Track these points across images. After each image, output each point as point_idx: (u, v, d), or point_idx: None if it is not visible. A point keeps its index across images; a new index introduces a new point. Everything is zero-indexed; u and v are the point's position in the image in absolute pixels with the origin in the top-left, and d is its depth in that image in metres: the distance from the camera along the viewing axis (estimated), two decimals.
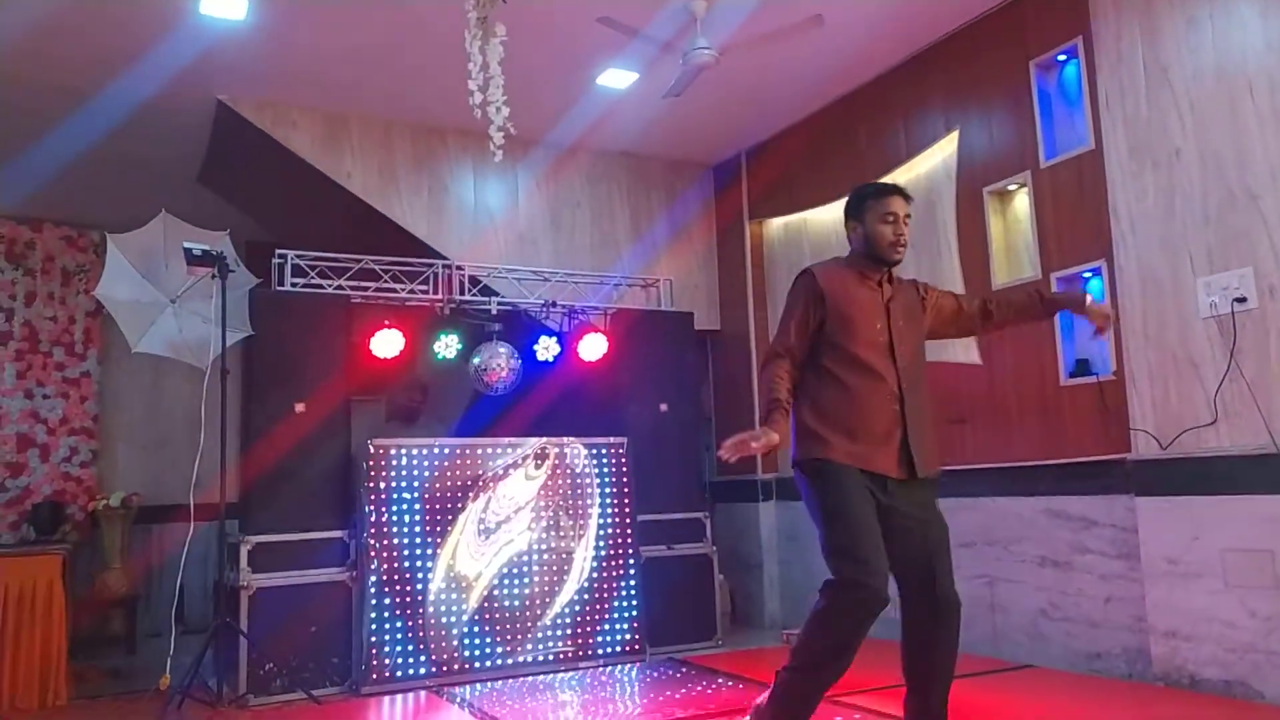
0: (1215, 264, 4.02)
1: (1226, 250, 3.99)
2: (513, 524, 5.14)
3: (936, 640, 2.86)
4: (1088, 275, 4.62)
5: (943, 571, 2.87)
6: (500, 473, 5.17)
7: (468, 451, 5.14)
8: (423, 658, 4.80)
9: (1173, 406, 4.15)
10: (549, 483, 5.28)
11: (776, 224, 6.68)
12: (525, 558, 5.13)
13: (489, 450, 5.19)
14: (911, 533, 2.89)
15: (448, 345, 5.42)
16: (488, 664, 4.92)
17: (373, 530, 4.82)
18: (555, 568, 5.19)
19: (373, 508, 4.84)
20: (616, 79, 5.57)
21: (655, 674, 4.86)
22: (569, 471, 5.34)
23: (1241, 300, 3.90)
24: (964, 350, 5.16)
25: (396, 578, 4.82)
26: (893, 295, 3.05)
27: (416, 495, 4.95)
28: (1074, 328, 4.68)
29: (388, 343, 5.14)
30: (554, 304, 5.75)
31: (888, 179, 5.63)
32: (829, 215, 6.20)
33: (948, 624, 2.85)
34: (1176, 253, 4.17)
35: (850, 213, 3.09)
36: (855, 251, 3.09)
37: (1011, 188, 5.00)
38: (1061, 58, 4.76)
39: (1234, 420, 3.93)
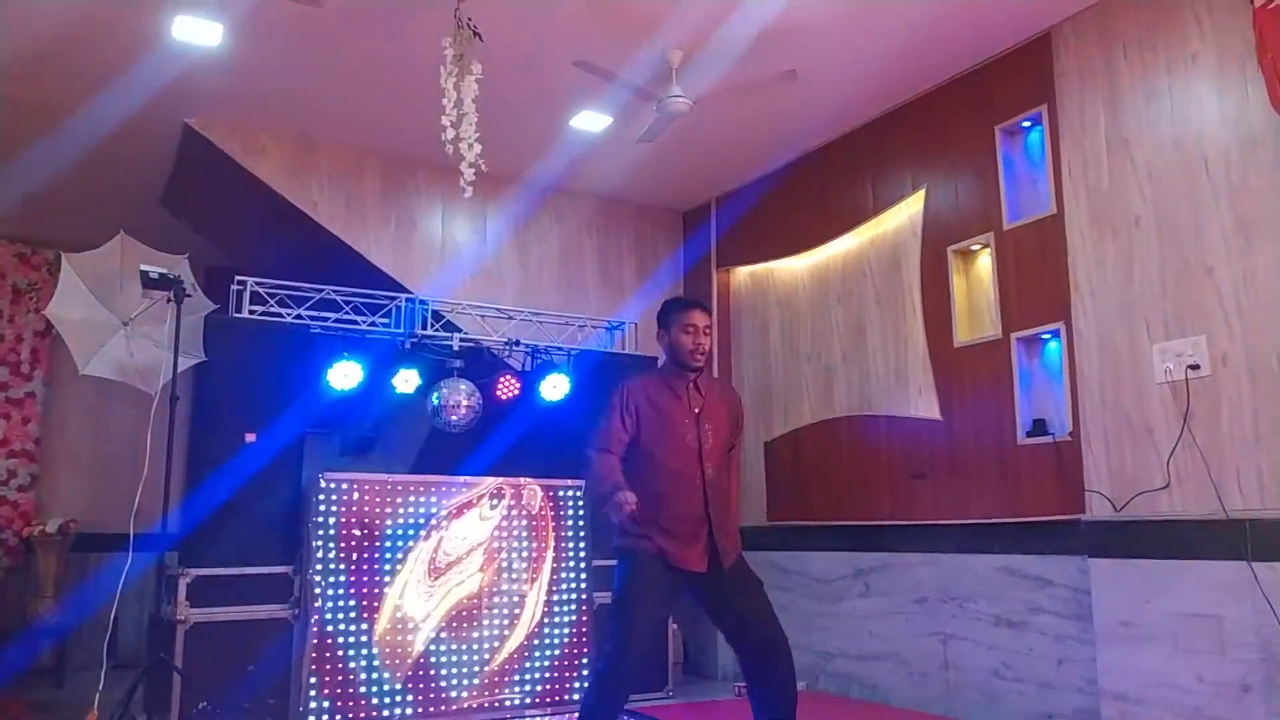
0: (1171, 331, 4.10)
1: (1182, 318, 4.07)
2: (464, 565, 5.04)
3: (773, 675, 3.21)
4: (1046, 337, 4.69)
5: (760, 619, 3.24)
6: (454, 511, 5.08)
7: (422, 488, 5.04)
8: (364, 700, 4.65)
9: (1127, 470, 4.20)
10: (504, 524, 5.19)
11: (743, 273, 6.72)
12: (475, 600, 5.02)
13: (444, 488, 5.10)
14: (727, 601, 3.25)
15: (407, 380, 5.34)
16: (431, 709, 4.78)
17: (319, 566, 4.69)
18: (506, 611, 5.09)
19: (320, 543, 4.72)
20: (590, 122, 5.60)
21: None
22: (525, 513, 5.26)
23: (1195, 367, 3.97)
24: (925, 405, 5.19)
25: (340, 616, 4.69)
26: (703, 403, 3.35)
27: (367, 532, 4.84)
28: (1032, 387, 4.74)
29: (345, 375, 5.04)
30: (517, 343, 5.70)
31: (854, 233, 5.76)
32: (796, 266, 6.25)
33: (777, 657, 3.22)
34: (1134, 319, 4.24)
35: (659, 323, 3.45)
36: (666, 361, 3.44)
37: (975, 248, 5.08)
38: (1026, 124, 4.87)
39: (1186, 485, 3.98)
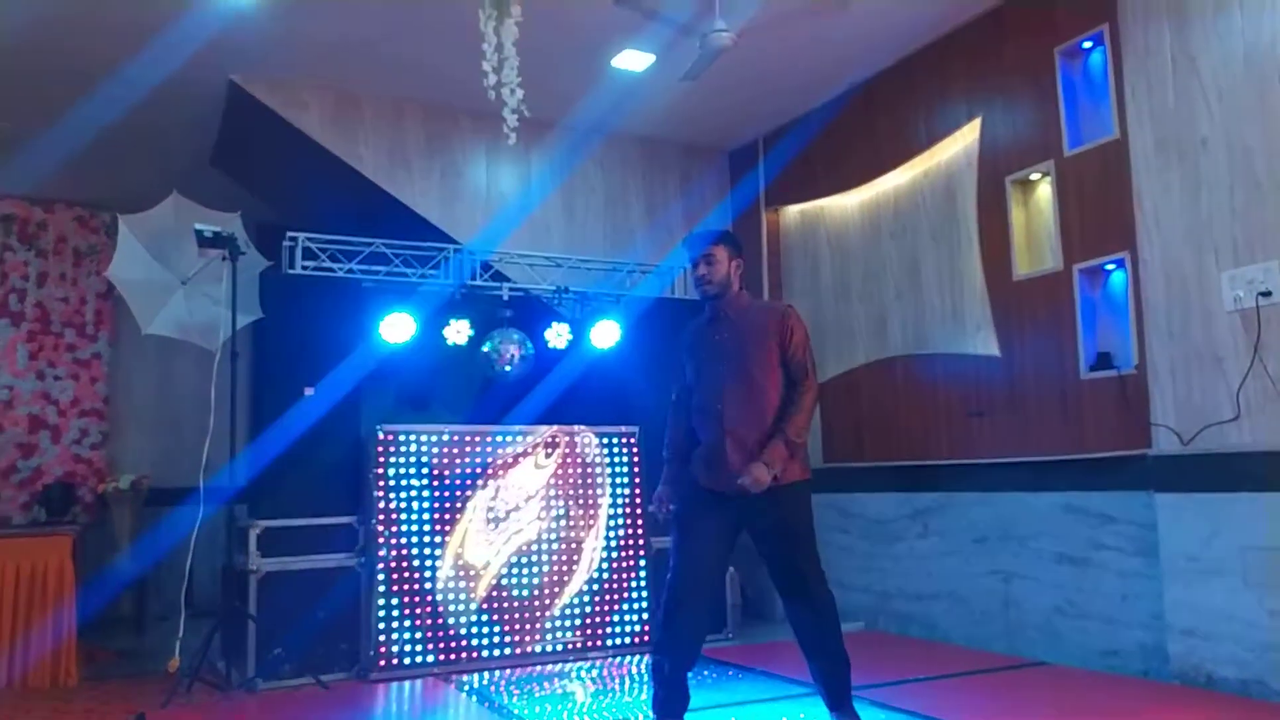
0: (1241, 257, 3.95)
1: (1253, 243, 3.91)
2: (522, 513, 5.11)
3: (806, 613, 3.31)
4: (1110, 267, 4.54)
5: (803, 558, 3.31)
6: (510, 461, 5.13)
7: (477, 439, 5.10)
8: (430, 645, 4.78)
9: (1195, 402, 4.08)
10: (559, 471, 5.24)
11: (793, 211, 6.61)
12: (535, 547, 5.09)
13: (499, 438, 5.15)
14: (765, 528, 3.33)
15: (459, 331, 5.37)
16: (496, 653, 4.90)
17: (381, 517, 4.79)
18: (565, 557, 5.16)
19: (382, 494, 4.82)
20: (633, 61, 5.49)
21: None
22: (580, 460, 5.29)
23: (1267, 294, 3.83)
24: (983, 342, 5.09)
25: (405, 564, 4.80)
26: (728, 329, 3.41)
27: (425, 482, 4.92)
28: (1095, 320, 4.61)
29: (398, 327, 5.09)
30: (566, 290, 5.69)
31: (907, 167, 5.61)
32: (847, 203, 6.12)
33: (810, 600, 3.30)
34: (1201, 245, 4.09)
35: (738, 252, 3.49)
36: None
37: (1034, 177, 4.92)
38: (1087, 45, 4.67)
39: (1257, 416, 3.87)
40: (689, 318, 5.77)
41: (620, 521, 5.32)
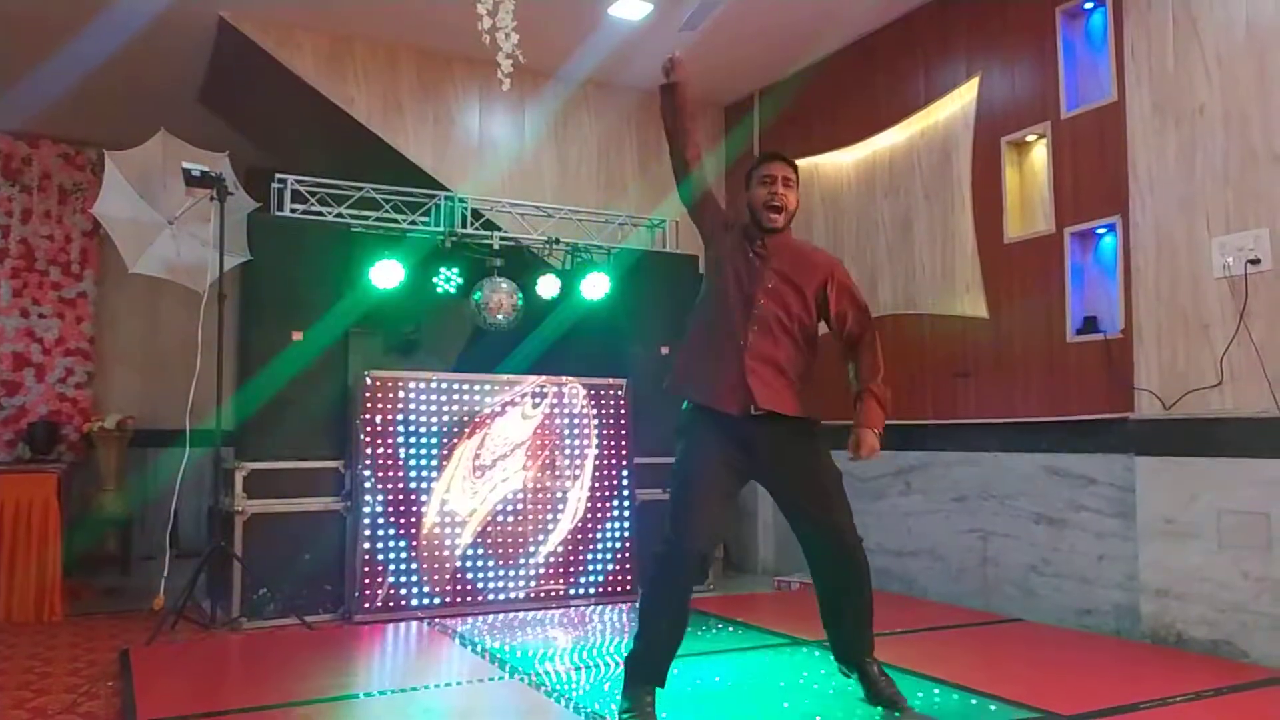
0: (1232, 224, 3.95)
1: (1244, 210, 3.92)
2: (508, 462, 5.13)
3: (844, 582, 3.03)
4: (1101, 231, 4.55)
5: (839, 512, 3.04)
6: (497, 410, 5.14)
7: (465, 387, 5.10)
8: (415, 589, 4.82)
9: (1179, 367, 4.12)
10: (546, 422, 5.25)
11: None
12: (520, 496, 5.12)
13: (486, 387, 5.15)
14: (781, 475, 3.09)
15: (448, 279, 5.35)
16: (479, 598, 4.95)
17: (368, 462, 4.80)
18: (550, 507, 5.19)
19: (368, 439, 4.82)
20: (630, 10, 5.41)
21: None
22: (567, 412, 5.31)
23: (1256, 262, 3.85)
24: (971, 303, 5.10)
25: (390, 510, 4.82)
26: (770, 260, 3.10)
27: (412, 429, 4.93)
28: (1084, 284, 4.62)
29: (387, 274, 5.06)
30: (557, 241, 5.66)
31: (904, 125, 5.58)
32: (842, 160, 6.09)
33: (849, 564, 3.02)
34: (1193, 211, 4.09)
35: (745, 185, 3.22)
36: (748, 221, 3.23)
37: (1030, 139, 4.90)
38: (1089, 5, 4.62)
39: (1239, 383, 3.90)
40: (679, 271, 5.84)
41: (606, 473, 5.35)
